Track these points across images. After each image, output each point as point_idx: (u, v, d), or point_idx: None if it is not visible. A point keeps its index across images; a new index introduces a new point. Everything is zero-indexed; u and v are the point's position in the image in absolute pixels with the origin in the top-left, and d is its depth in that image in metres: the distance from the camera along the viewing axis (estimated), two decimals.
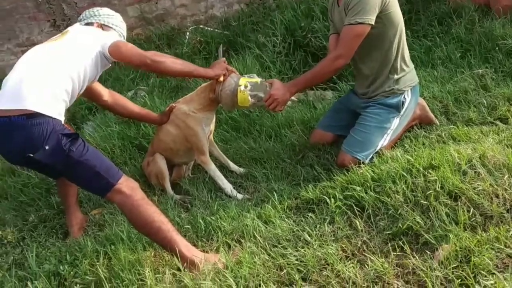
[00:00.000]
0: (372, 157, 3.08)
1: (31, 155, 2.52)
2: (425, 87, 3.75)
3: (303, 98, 4.25)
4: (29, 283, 2.59)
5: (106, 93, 3.28)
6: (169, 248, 2.56)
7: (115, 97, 3.36)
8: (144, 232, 2.63)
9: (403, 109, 3.12)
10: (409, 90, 3.12)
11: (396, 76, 3.09)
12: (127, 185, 2.63)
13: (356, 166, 2.98)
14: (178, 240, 2.56)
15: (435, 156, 2.76)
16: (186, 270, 2.48)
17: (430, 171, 2.67)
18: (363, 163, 3.02)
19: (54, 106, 2.62)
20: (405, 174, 2.69)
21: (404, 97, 3.11)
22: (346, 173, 2.92)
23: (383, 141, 3.11)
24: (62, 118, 2.67)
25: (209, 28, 5.57)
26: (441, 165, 2.67)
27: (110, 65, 2.97)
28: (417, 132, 3.23)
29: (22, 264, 2.92)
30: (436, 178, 2.59)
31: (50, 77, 2.65)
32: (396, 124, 3.13)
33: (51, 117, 2.57)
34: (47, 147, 2.52)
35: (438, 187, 2.54)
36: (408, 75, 3.13)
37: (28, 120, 2.51)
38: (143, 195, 2.66)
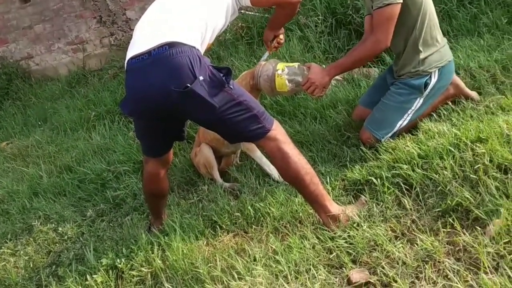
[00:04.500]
0: (393, 136, 3.08)
1: (189, 85, 2.27)
2: (471, 56, 3.63)
3: (348, 77, 4.20)
4: (88, 277, 2.70)
5: None
6: (315, 201, 2.53)
7: None
8: (293, 182, 2.57)
9: (427, 90, 3.05)
10: (436, 71, 3.04)
11: (421, 56, 3.02)
12: (281, 131, 2.54)
13: (376, 143, 3.04)
14: (324, 194, 2.53)
15: (483, 129, 2.69)
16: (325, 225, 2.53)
17: (478, 144, 2.60)
18: (380, 141, 3.04)
19: (196, 40, 2.44)
20: (452, 149, 2.64)
21: (429, 77, 3.04)
22: (392, 151, 2.88)
23: (403, 121, 3.09)
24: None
25: (249, 13, 5.54)
26: (489, 137, 2.60)
27: (237, 14, 2.80)
28: (464, 105, 3.15)
29: (82, 258, 3.04)
30: (484, 151, 2.52)
31: (185, 20, 2.48)
32: (418, 105, 3.08)
33: (194, 47, 2.39)
34: (201, 78, 2.31)
35: (487, 161, 2.47)
36: (436, 54, 3.04)
37: (170, 49, 2.33)
38: (293, 143, 2.56)
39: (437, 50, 3.05)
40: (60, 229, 3.45)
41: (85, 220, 3.54)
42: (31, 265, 3.18)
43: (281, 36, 3.22)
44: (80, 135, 5.20)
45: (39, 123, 6.13)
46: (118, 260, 2.74)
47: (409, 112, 3.08)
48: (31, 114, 6.49)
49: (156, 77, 2.35)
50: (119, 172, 3.99)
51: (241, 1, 2.69)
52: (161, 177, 2.92)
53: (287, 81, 3.07)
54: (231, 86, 2.42)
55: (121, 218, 3.43)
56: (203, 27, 2.51)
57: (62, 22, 7.37)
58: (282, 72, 3.07)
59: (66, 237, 3.38)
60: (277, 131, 2.51)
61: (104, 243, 3.09)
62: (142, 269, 2.67)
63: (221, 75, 2.39)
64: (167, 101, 2.37)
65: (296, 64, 3.13)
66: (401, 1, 2.84)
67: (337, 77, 3.88)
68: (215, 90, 2.37)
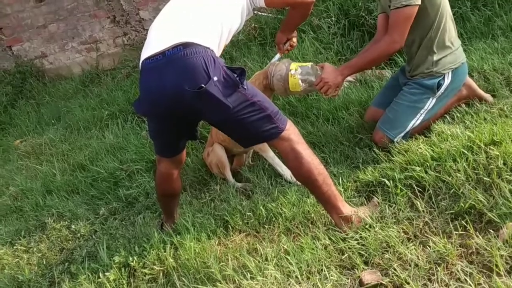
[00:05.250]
0: (405, 136, 3.09)
1: (203, 86, 2.28)
2: (485, 59, 3.62)
3: (360, 78, 4.20)
4: (101, 275, 2.72)
5: None
6: (327, 202, 2.53)
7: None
8: (305, 182, 2.57)
9: (440, 91, 3.06)
10: (450, 72, 3.05)
11: (435, 58, 3.02)
12: (294, 131, 2.54)
13: (389, 144, 3.05)
14: (337, 195, 2.54)
15: (496, 131, 2.69)
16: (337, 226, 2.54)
17: (491, 147, 2.60)
18: (393, 141, 3.05)
19: (211, 41, 2.45)
20: (466, 152, 2.63)
21: (443, 78, 3.04)
22: (405, 153, 2.88)
23: (415, 121, 3.10)
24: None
25: (263, 14, 5.55)
26: (503, 140, 2.60)
27: (252, 14, 2.81)
28: (478, 107, 3.14)
29: (94, 256, 3.06)
30: (498, 154, 2.52)
31: (200, 21, 2.49)
32: (431, 105, 3.09)
33: (208, 48, 2.40)
34: (215, 78, 2.31)
35: (501, 164, 2.47)
36: (450, 56, 3.04)
37: (184, 50, 2.34)
38: (306, 144, 2.56)
39: (452, 52, 3.05)
40: (73, 226, 3.48)
41: (98, 218, 3.57)
42: (44, 262, 3.20)
43: (294, 39, 3.22)
44: (93, 134, 5.23)
45: (53, 121, 6.17)
46: (131, 258, 2.76)
47: (421, 112, 3.08)
48: (45, 113, 6.53)
49: (170, 78, 2.36)
50: (132, 171, 4.01)
51: (255, 2, 2.70)
52: (174, 178, 2.92)
53: (300, 81, 3.07)
54: (245, 87, 2.42)
55: (133, 216, 3.45)
56: (218, 28, 2.52)
57: (76, 21, 7.39)
58: (296, 72, 3.08)
59: (79, 234, 3.41)
60: (291, 131, 2.52)
61: (116, 241, 3.11)
62: (154, 267, 2.69)
63: (235, 75, 2.40)
64: (181, 101, 2.38)
65: (309, 64, 3.13)
66: (420, 3, 2.84)
67: (349, 78, 3.89)
68: (229, 91, 2.37)
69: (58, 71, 7.75)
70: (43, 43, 7.71)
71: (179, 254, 2.71)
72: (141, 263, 2.74)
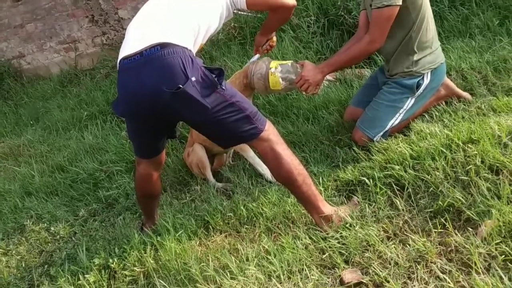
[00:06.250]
0: (384, 135, 3.11)
1: (181, 86, 2.26)
2: (462, 58, 3.66)
3: (340, 77, 4.21)
4: (81, 277, 2.69)
5: None
6: (307, 202, 2.53)
7: None
8: (285, 183, 2.57)
9: (419, 91, 3.09)
10: (429, 72, 3.07)
11: (415, 57, 3.04)
12: (274, 131, 2.53)
13: (369, 142, 3.06)
14: (317, 195, 2.54)
15: (474, 130, 2.71)
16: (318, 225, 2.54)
17: (469, 145, 2.62)
18: (373, 140, 3.07)
19: (188, 41, 2.45)
20: (444, 150, 2.66)
21: (422, 78, 3.07)
22: (384, 152, 2.90)
23: (395, 120, 3.11)
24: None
25: (242, 13, 5.54)
26: (481, 138, 2.62)
27: (232, 16, 2.80)
28: (456, 106, 3.17)
29: (74, 258, 3.03)
30: (476, 152, 2.55)
31: (178, 21, 2.48)
32: (410, 104, 3.11)
33: (186, 48, 2.39)
34: (193, 78, 2.30)
35: (479, 162, 2.50)
36: (429, 56, 3.07)
37: (162, 50, 2.32)
38: (286, 144, 2.56)
39: (431, 52, 3.08)
40: (52, 228, 3.45)
41: (77, 220, 3.53)
42: (23, 265, 3.17)
43: (274, 39, 3.22)
44: (72, 135, 5.19)
45: (31, 122, 6.11)
46: (111, 260, 2.74)
47: (400, 112, 3.11)
48: (23, 114, 6.48)
49: (148, 78, 2.34)
50: (111, 172, 3.98)
51: (236, 4, 2.69)
52: (154, 179, 2.90)
53: (280, 79, 3.07)
54: (224, 87, 2.41)
55: (113, 217, 3.42)
56: (195, 29, 2.51)
57: (54, 21, 7.33)
58: (276, 70, 3.08)
59: (58, 236, 3.37)
60: (270, 131, 2.51)
61: (96, 243, 3.08)
62: (135, 268, 2.67)
63: (214, 76, 2.38)
64: (159, 102, 2.36)
65: (289, 62, 3.14)
66: (401, 3, 2.85)
67: (329, 77, 3.90)
68: (208, 91, 2.36)
69: (36, 71, 7.69)
70: (20, 43, 7.65)
71: (159, 255, 2.70)
72: (121, 265, 2.72)
